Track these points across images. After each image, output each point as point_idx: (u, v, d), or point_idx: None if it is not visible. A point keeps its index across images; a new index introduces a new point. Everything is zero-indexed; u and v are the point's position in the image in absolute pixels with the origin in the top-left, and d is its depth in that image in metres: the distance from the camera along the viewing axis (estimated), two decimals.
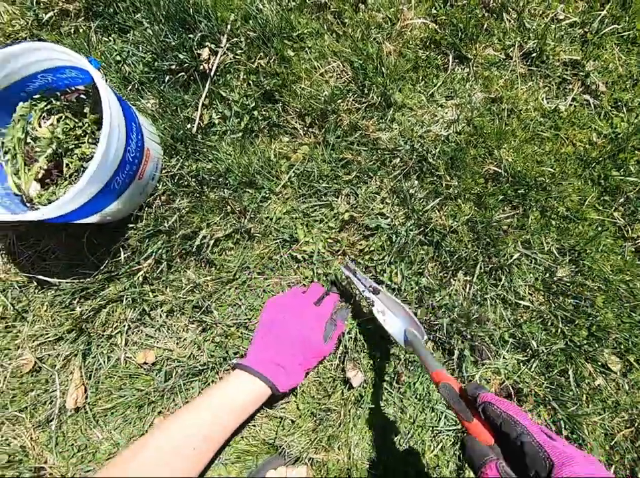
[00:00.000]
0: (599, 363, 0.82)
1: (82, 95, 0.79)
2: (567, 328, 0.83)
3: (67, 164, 0.74)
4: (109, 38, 0.93)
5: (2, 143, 0.73)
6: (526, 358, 0.83)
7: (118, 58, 0.91)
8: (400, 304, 0.73)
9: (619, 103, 0.98)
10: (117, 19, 0.92)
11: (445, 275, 0.85)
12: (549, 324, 0.84)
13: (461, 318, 0.82)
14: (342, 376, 0.81)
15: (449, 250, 0.85)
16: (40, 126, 0.75)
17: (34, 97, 0.75)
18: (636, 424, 0.80)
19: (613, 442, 0.79)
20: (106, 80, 0.89)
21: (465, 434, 0.44)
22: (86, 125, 0.77)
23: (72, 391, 0.78)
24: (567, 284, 0.84)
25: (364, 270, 0.86)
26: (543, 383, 0.81)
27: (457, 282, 0.84)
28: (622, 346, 0.82)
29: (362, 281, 0.80)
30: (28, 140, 0.75)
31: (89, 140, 0.77)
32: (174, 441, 0.56)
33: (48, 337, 0.81)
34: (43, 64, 0.71)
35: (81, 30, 0.92)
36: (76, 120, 0.77)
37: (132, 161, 0.71)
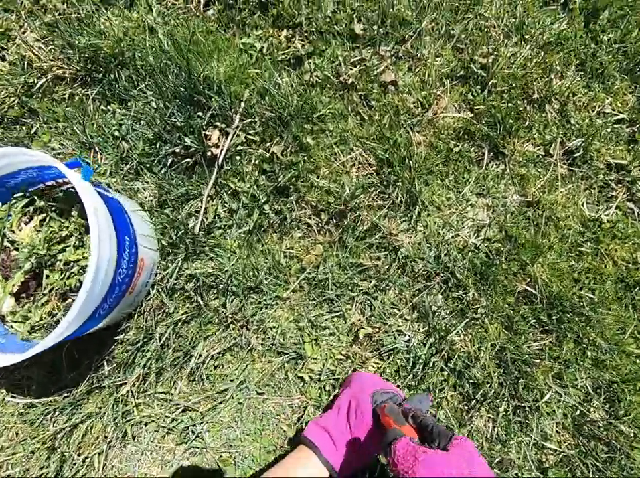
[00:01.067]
0: None
1: (71, 189, 0.69)
2: None
3: (47, 276, 0.64)
4: (108, 108, 0.83)
5: None
6: None
7: (116, 133, 0.81)
8: None
9: None
10: (118, 88, 0.82)
11: (466, 407, 0.77)
12: (578, 472, 0.75)
13: None
14: None
15: (472, 382, 0.76)
16: (19, 227, 0.66)
17: (15, 195, 0.65)
18: None
19: None
20: (97, 159, 0.80)
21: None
22: (72, 225, 0.67)
23: None
24: (601, 427, 0.76)
25: None
26: None
27: (479, 418, 0.76)
28: None
29: None
30: (5, 243, 0.65)
31: (76, 243, 0.67)
32: None
33: (16, 453, 0.72)
34: (25, 163, 0.62)
35: (77, 97, 0.82)
36: (62, 220, 0.67)
37: (122, 281, 0.62)
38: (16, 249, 0.66)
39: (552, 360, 0.78)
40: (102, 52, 0.82)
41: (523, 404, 0.75)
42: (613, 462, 0.74)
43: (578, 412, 0.77)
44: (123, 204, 0.67)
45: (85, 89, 0.83)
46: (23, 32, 0.80)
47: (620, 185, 0.89)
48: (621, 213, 0.88)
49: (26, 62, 0.80)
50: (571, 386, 0.78)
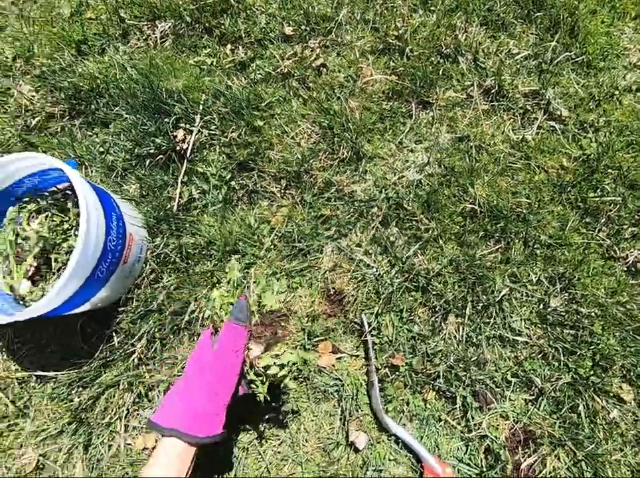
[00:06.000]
0: (611, 394, 0.78)
1: (68, 191, 0.84)
2: (570, 360, 0.80)
3: (55, 259, 0.77)
4: (93, 132, 1.00)
5: None
6: (533, 397, 0.80)
7: (101, 149, 0.97)
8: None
9: (585, 125, 1.00)
10: (99, 114, 0.99)
11: (436, 319, 0.84)
12: (551, 358, 0.81)
13: (458, 363, 0.80)
14: (346, 440, 0.78)
15: (436, 294, 0.84)
16: (29, 225, 0.80)
17: (23, 200, 0.80)
18: None
19: None
20: (89, 172, 0.95)
21: None
22: (72, 218, 0.81)
23: None
24: (563, 313, 0.83)
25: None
26: (555, 422, 0.77)
27: (450, 325, 0.83)
28: (631, 373, 0.79)
29: (372, 354, 0.82)
30: (19, 241, 0.79)
31: (76, 233, 0.80)
32: None
33: (50, 432, 0.81)
34: (27, 169, 0.77)
35: (66, 129, 1.00)
36: (63, 216, 0.81)
37: (114, 249, 0.75)
38: (28, 245, 0.79)
39: (505, 264, 0.87)
40: (82, 89, 1.00)
41: (485, 303, 0.83)
42: (580, 340, 0.80)
43: (541, 306, 0.84)
44: (111, 194, 0.81)
45: (73, 121, 1.01)
46: (19, 86, 0.99)
47: (537, 108, 1.00)
48: (544, 131, 0.99)
49: (23, 108, 0.99)
50: (528, 283, 0.85)
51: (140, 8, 1.11)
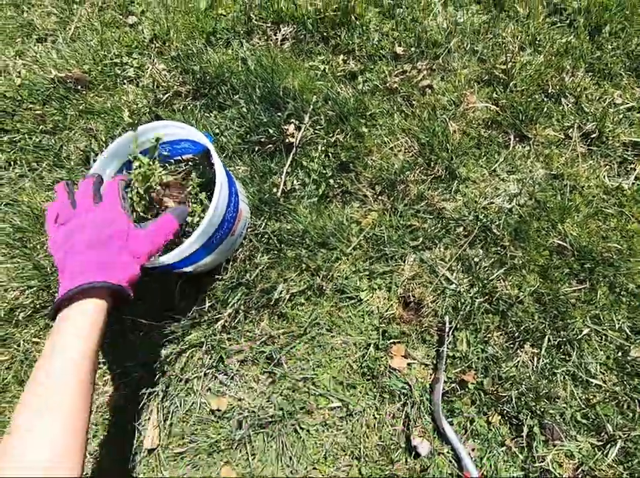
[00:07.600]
0: None
1: (190, 162, 0.92)
2: None
3: None
4: (210, 114, 1.10)
5: None
6: (602, 442, 0.79)
7: (217, 130, 1.06)
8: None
9: None
10: (219, 99, 1.09)
11: (512, 345, 0.86)
12: (625, 407, 0.80)
13: (529, 392, 0.81)
14: (406, 444, 0.80)
15: (515, 320, 0.86)
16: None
17: None
18: None
19: None
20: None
21: None
22: (191, 187, 0.89)
23: (150, 431, 0.83)
24: None
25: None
26: (622, 473, 0.76)
27: (525, 354, 0.85)
28: None
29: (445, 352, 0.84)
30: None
31: (192, 200, 0.88)
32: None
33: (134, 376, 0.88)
34: (167, 137, 0.86)
35: (188, 108, 1.10)
36: (183, 183, 0.89)
37: (229, 220, 0.82)
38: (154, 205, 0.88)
39: (588, 304, 0.87)
40: (209, 74, 1.10)
41: (564, 339, 0.83)
42: None
43: (620, 353, 0.84)
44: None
45: (195, 102, 1.11)
46: (154, 64, 1.11)
47: (637, 159, 1.01)
48: None
49: (155, 84, 1.10)
50: (610, 328, 0.85)
51: (267, 12, 1.22)
